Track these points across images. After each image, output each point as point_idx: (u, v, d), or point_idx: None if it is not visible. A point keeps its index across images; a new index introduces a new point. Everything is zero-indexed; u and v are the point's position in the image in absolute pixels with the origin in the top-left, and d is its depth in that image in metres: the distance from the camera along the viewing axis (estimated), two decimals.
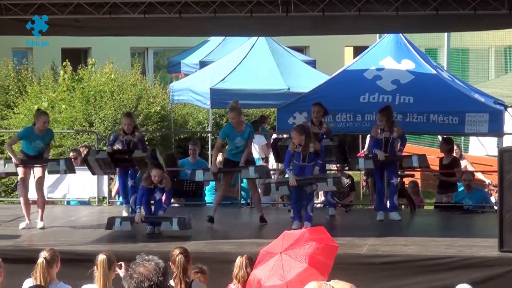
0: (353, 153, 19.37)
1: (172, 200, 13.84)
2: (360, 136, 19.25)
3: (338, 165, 14.27)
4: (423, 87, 14.31)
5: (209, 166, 13.36)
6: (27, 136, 11.98)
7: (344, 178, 14.55)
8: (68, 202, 14.71)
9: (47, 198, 14.03)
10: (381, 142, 12.19)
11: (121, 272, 7.81)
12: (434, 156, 18.85)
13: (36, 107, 18.54)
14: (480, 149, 18.25)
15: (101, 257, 7.72)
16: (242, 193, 14.26)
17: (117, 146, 12.73)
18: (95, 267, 7.75)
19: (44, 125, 11.94)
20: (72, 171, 12.36)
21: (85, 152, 14.64)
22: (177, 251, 7.88)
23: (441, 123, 13.89)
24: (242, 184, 14.14)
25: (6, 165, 11.81)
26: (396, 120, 12.76)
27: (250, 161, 12.14)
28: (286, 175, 11.86)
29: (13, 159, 11.91)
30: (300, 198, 11.59)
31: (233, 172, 12.30)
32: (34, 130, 11.96)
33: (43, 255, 7.81)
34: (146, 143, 14.23)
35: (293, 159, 11.54)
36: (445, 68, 16.81)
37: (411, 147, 18.81)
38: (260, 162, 16.28)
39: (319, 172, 11.48)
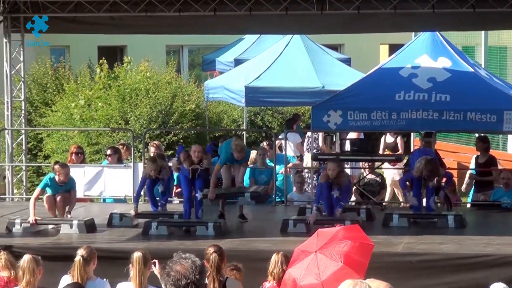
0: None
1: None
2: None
3: (368, 163, 14.25)
4: (460, 85, 14.22)
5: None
6: (50, 187, 11.67)
7: (374, 176, 14.53)
8: (104, 200, 14.80)
9: (84, 195, 14.16)
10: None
11: (156, 270, 7.88)
12: (471, 155, 18.70)
13: (73, 104, 18.69)
14: None
15: (137, 255, 7.80)
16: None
17: None
18: (131, 264, 7.82)
19: (67, 177, 11.60)
20: None
21: (123, 150, 14.71)
22: (211, 250, 7.90)
23: (479, 121, 13.79)
24: (276, 183, 14.14)
25: (22, 224, 11.53)
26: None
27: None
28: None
29: (30, 217, 11.44)
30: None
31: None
32: (55, 181, 11.63)
33: (80, 253, 7.93)
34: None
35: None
36: (483, 66, 16.68)
37: (448, 145, 18.70)
38: (294, 160, 16.26)
39: (339, 214, 11.38)
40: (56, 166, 11.62)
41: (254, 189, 12.22)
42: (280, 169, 14.55)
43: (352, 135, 16.23)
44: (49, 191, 11.63)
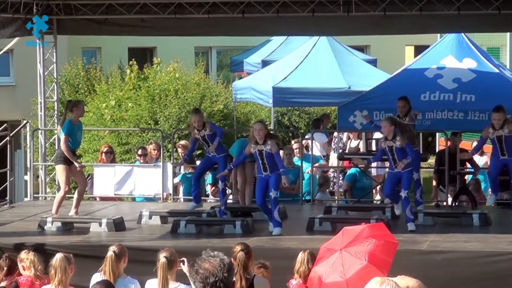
0: None
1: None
2: (421, 134, 19.21)
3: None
4: (485, 86, 14.29)
5: None
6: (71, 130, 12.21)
7: None
8: (134, 199, 15.04)
9: (114, 194, 14.41)
10: (494, 142, 12.02)
11: (184, 268, 7.95)
12: None
13: (104, 105, 18.97)
14: None
15: (162, 261, 7.72)
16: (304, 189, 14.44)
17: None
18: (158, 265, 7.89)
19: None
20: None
21: (153, 149, 14.96)
22: (238, 248, 7.96)
23: None
24: (303, 181, 14.33)
25: (54, 223, 11.79)
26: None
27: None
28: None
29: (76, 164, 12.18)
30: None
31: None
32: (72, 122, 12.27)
33: (112, 249, 7.98)
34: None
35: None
36: (508, 67, 16.75)
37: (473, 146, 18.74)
38: (321, 161, 16.42)
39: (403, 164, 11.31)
40: None
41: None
42: (306, 168, 14.73)
43: (380, 135, 16.35)
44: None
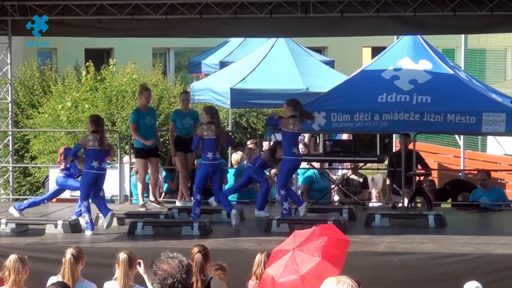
0: (371, 151, 19.57)
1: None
2: (378, 135, 19.37)
3: (350, 164, 14.47)
4: (441, 87, 14.42)
5: (227, 165, 13.73)
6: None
7: (357, 177, 14.76)
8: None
9: (70, 196, 14.29)
10: None
11: (141, 270, 7.95)
12: (451, 155, 18.98)
13: (60, 106, 18.82)
14: (498, 149, 18.35)
15: (122, 256, 7.80)
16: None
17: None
18: (116, 264, 7.87)
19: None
20: None
21: None
22: (195, 249, 8.00)
23: (458, 122, 13.99)
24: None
25: (8, 224, 11.78)
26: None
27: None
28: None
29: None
30: None
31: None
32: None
33: (70, 252, 7.94)
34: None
35: None
36: (463, 68, 16.91)
37: (429, 147, 18.94)
38: None
39: None
40: None
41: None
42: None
43: (343, 136, 16.48)
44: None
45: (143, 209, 13.27)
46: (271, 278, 6.79)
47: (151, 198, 13.60)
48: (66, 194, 13.03)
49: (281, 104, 18.63)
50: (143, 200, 13.48)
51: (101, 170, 11.66)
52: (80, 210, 11.98)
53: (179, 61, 29.01)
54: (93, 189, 11.70)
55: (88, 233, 11.52)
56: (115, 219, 12.15)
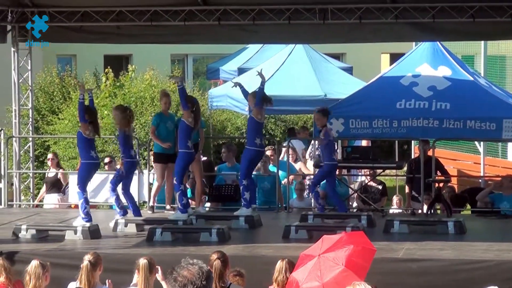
0: (389, 158, 19.50)
1: (209, 205, 14.15)
2: (396, 142, 19.32)
3: (369, 171, 14.45)
4: (460, 94, 14.39)
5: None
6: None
7: (375, 184, 14.73)
8: (111, 206, 14.97)
9: (90, 202, 14.34)
10: None
11: (159, 276, 7.96)
12: (471, 162, 18.89)
13: None
14: None
15: (142, 262, 7.83)
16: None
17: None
18: (136, 270, 7.90)
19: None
20: None
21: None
22: (214, 256, 7.98)
23: (478, 129, 13.96)
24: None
25: (28, 230, 11.80)
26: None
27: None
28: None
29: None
30: None
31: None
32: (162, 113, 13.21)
33: (88, 258, 7.99)
34: None
35: None
36: (482, 75, 16.85)
37: (448, 153, 18.87)
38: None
39: None
40: None
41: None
42: (283, 176, 14.73)
43: (361, 142, 16.45)
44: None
45: (150, 212, 13.29)
46: (296, 283, 6.83)
47: (167, 206, 13.59)
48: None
49: (299, 110, 18.76)
50: (154, 203, 13.49)
51: (97, 159, 12.18)
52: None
53: (197, 67, 29.07)
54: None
55: (87, 223, 11.69)
56: (133, 225, 12.19)
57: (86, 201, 11.88)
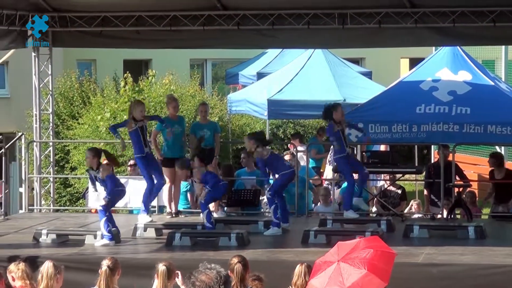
0: (409, 163, 19.41)
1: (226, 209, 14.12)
2: (416, 146, 19.25)
3: (388, 175, 14.41)
4: (481, 98, 14.33)
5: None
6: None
7: (394, 188, 14.69)
8: (131, 211, 15.00)
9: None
10: None
11: (178, 281, 7.97)
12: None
13: (99, 117, 18.95)
14: None
15: (162, 268, 7.82)
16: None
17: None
18: (155, 275, 7.91)
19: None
20: None
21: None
22: (235, 260, 8.00)
23: (499, 134, 13.89)
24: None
25: (49, 235, 11.82)
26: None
27: None
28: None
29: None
30: None
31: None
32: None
33: (106, 263, 8.00)
34: None
35: None
36: (503, 79, 16.78)
37: (468, 158, 18.80)
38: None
39: None
40: None
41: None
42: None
43: (380, 147, 16.41)
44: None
45: (168, 217, 13.29)
46: None
47: (168, 210, 13.50)
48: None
49: (318, 115, 18.67)
50: (171, 208, 13.49)
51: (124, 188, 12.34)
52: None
53: (216, 72, 29.11)
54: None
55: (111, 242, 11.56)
56: (153, 230, 12.20)
57: (109, 219, 11.72)
